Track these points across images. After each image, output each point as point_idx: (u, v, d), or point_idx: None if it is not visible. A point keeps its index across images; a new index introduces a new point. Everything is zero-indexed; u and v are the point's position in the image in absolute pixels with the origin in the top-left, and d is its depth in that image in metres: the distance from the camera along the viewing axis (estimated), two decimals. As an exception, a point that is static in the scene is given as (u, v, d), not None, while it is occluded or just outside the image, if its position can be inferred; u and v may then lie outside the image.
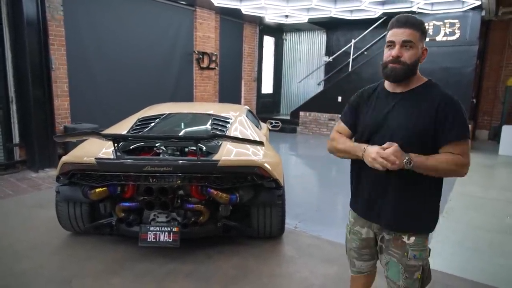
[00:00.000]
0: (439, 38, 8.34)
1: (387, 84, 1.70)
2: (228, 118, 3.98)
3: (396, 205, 1.62)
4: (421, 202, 1.61)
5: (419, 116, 1.55)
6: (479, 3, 7.42)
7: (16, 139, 5.85)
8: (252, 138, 3.50)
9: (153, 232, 2.93)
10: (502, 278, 2.99)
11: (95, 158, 2.86)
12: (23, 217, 3.98)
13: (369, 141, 1.65)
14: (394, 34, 1.56)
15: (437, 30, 8.32)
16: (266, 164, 2.98)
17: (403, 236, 1.63)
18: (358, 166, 1.72)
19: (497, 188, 5.70)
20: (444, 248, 3.49)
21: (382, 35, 10.11)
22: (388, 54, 1.59)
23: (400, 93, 1.63)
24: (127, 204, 3.05)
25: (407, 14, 1.61)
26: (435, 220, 1.67)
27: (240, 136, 3.45)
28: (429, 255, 1.67)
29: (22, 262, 3.03)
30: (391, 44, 1.58)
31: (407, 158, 1.47)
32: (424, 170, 1.51)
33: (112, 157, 2.89)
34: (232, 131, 3.65)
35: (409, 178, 1.55)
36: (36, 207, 4.26)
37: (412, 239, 1.62)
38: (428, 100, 1.56)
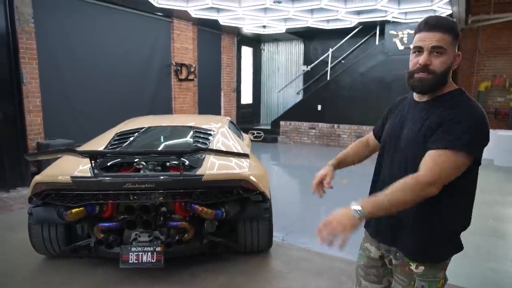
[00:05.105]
0: (413, 46, 8.52)
1: (415, 93, 1.52)
2: (210, 130, 3.87)
3: (410, 230, 1.44)
4: (437, 227, 1.42)
5: (426, 125, 1.37)
6: (449, 11, 7.66)
7: (-15, 157, 5.55)
8: (236, 151, 3.41)
9: (135, 253, 2.78)
10: (494, 282, 2.98)
11: (71, 177, 2.69)
12: (-7, 241, 3.73)
13: (385, 151, 1.57)
14: (422, 39, 1.37)
15: (411, 38, 8.48)
16: (251, 177, 2.89)
17: (410, 263, 1.45)
18: (374, 179, 1.62)
19: (476, 191, 5.78)
20: (432, 255, 3.47)
21: (358, 44, 10.31)
22: (415, 61, 1.40)
23: (423, 102, 1.45)
24: (106, 224, 2.88)
25: (437, 15, 1.40)
26: (449, 248, 1.47)
27: (223, 149, 3.36)
28: (443, 286, 1.46)
29: (-9, 292, 2.81)
30: (419, 50, 1.39)
31: (355, 209, 1.25)
32: (382, 210, 1.29)
33: (89, 175, 2.73)
34: (215, 144, 3.54)
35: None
36: (8, 229, 4.00)
37: (421, 268, 1.43)
38: (444, 108, 1.36)
